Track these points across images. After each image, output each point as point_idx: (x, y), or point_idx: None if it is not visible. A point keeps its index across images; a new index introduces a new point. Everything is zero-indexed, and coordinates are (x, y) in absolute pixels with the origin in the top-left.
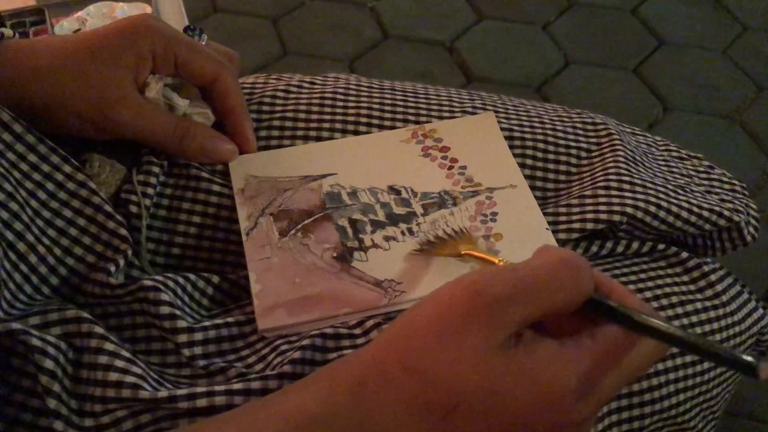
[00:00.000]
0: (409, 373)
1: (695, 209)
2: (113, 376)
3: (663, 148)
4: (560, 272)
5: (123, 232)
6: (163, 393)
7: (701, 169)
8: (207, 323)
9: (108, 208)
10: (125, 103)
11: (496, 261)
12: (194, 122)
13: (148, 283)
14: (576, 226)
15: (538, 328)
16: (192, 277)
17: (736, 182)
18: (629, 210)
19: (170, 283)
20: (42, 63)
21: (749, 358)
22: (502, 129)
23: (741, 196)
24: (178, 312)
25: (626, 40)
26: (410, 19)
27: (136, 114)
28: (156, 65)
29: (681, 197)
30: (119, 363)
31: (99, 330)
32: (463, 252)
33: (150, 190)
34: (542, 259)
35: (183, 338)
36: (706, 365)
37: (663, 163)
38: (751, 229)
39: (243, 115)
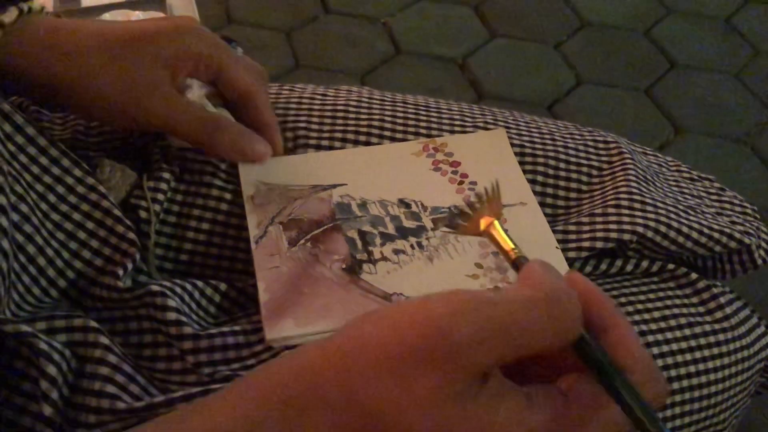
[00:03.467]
0: (349, 399)
1: (705, 230)
2: (111, 389)
3: (674, 168)
4: (540, 311)
5: (131, 236)
6: (159, 398)
7: (712, 190)
8: (213, 330)
9: (117, 212)
10: (159, 92)
11: (510, 252)
12: (225, 117)
13: (156, 288)
14: (585, 244)
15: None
16: (199, 283)
17: (748, 205)
18: (639, 229)
19: (178, 289)
20: (73, 43)
21: None
22: (513, 145)
23: (752, 219)
24: (184, 318)
25: (638, 61)
26: (423, 35)
27: (169, 104)
28: (198, 68)
29: (692, 218)
30: (119, 378)
31: (104, 341)
32: (482, 228)
33: (160, 196)
34: (523, 291)
35: (188, 345)
36: (713, 389)
37: (674, 183)
38: (762, 253)
39: (275, 129)
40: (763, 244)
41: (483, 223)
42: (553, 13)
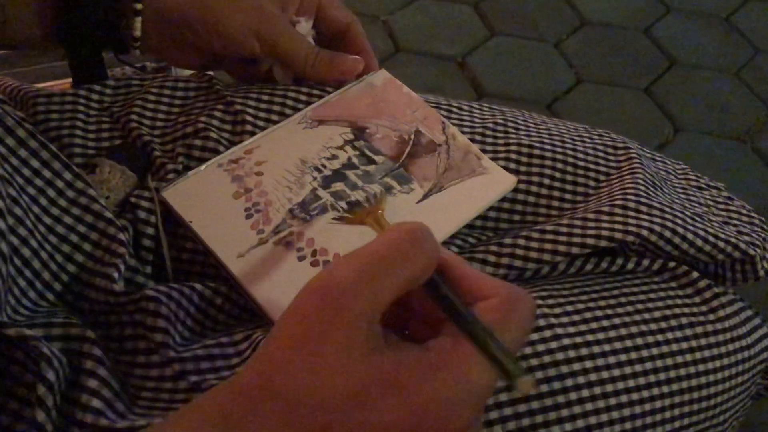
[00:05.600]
0: (273, 397)
1: (711, 239)
2: (96, 404)
3: (682, 176)
4: (403, 244)
5: (121, 236)
6: (141, 421)
7: (720, 199)
8: (195, 346)
9: (108, 214)
10: (281, 18)
11: None
12: (324, 49)
13: (151, 293)
14: (590, 241)
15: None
16: (198, 287)
17: (755, 215)
18: (644, 232)
19: (174, 294)
20: None
21: (511, 367)
22: (521, 145)
23: (759, 229)
24: (171, 329)
25: (638, 60)
26: (422, 33)
27: (290, 29)
28: (302, 5)
29: (698, 225)
30: (106, 393)
31: (97, 353)
32: (365, 221)
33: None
34: (385, 236)
35: (173, 353)
36: (712, 390)
37: (681, 191)
38: (765, 264)
39: (371, 54)
40: None
41: (365, 214)
42: (553, 11)
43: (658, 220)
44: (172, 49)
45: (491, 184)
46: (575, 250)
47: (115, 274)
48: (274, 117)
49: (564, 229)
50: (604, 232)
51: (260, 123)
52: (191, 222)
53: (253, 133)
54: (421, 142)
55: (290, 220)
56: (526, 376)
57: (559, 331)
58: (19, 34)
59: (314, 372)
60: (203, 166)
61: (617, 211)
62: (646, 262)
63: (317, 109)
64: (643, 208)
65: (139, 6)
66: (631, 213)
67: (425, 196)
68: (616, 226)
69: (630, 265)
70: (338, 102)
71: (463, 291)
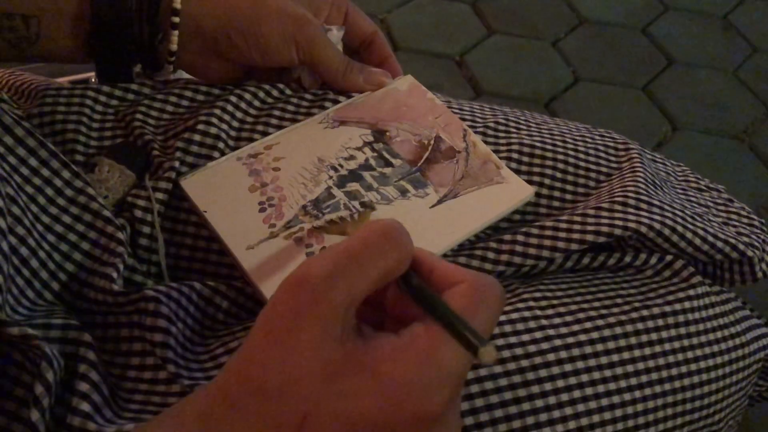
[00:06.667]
0: (252, 391)
1: (710, 238)
2: (85, 407)
3: (682, 178)
4: (376, 239)
5: (120, 235)
6: (129, 425)
7: (720, 201)
8: (189, 357)
9: (107, 213)
10: (317, 24)
11: None
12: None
13: (150, 293)
14: (589, 237)
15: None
16: (197, 286)
17: (755, 217)
18: (643, 229)
19: (174, 294)
20: None
21: (474, 340)
22: (523, 144)
23: (759, 231)
24: (173, 328)
25: (636, 59)
26: (420, 31)
27: (324, 36)
28: (331, 14)
29: (698, 224)
30: (96, 398)
31: (92, 357)
32: (347, 232)
33: (160, 195)
34: (360, 232)
35: (170, 354)
36: (706, 389)
37: (681, 192)
38: (764, 266)
39: (396, 62)
40: (767, 258)
41: (347, 226)
42: (551, 10)
43: (658, 217)
44: (206, 63)
45: (507, 193)
46: (574, 246)
47: (114, 274)
48: (276, 112)
49: (563, 225)
50: (604, 228)
51: (262, 119)
52: (206, 212)
53: (253, 129)
54: (440, 147)
55: (302, 216)
56: (487, 346)
57: (551, 332)
58: (53, 47)
59: (290, 363)
60: (223, 159)
61: (617, 207)
62: (643, 256)
63: (340, 110)
64: (643, 205)
65: (176, 19)
66: (631, 209)
67: (439, 202)
68: (616, 222)
69: (627, 259)
70: (361, 104)
71: (434, 281)
